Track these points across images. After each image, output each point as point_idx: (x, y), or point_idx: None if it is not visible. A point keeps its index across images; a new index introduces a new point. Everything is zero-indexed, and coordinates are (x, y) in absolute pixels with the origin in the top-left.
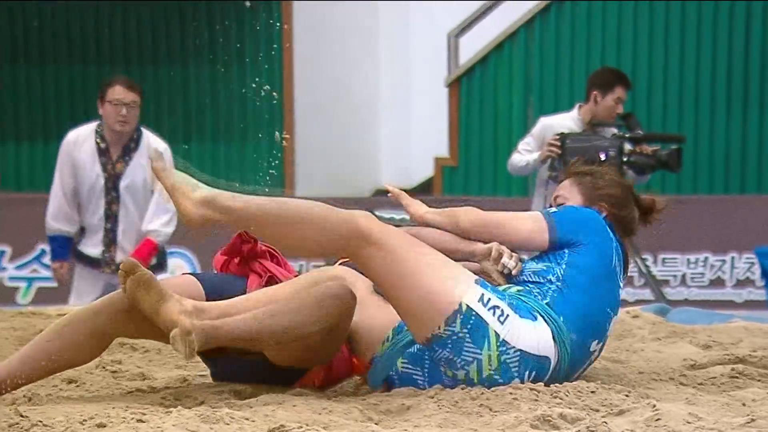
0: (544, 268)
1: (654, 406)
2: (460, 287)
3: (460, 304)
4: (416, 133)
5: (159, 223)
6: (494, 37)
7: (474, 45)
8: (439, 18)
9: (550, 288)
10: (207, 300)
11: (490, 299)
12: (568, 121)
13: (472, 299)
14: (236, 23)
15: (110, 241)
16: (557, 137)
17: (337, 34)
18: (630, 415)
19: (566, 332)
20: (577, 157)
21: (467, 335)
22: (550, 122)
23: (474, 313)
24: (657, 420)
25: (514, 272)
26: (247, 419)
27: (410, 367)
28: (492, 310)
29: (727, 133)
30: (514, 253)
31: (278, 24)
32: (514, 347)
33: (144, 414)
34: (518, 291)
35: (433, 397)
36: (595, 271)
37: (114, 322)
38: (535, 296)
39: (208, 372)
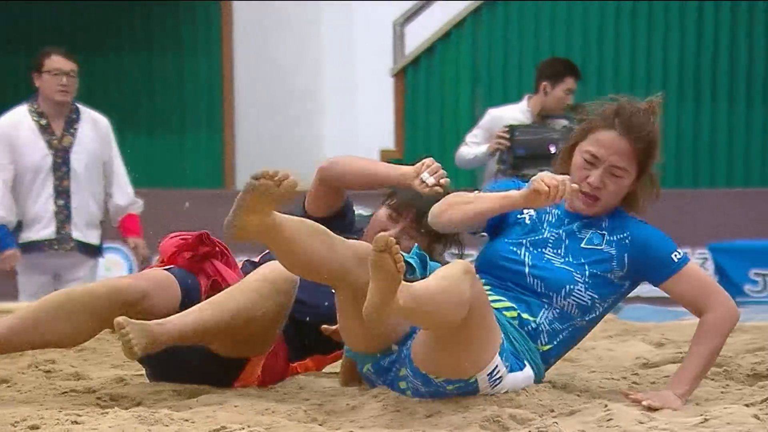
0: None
1: (606, 406)
2: (486, 358)
3: (474, 378)
4: (361, 125)
5: (131, 192)
6: (440, 26)
7: (420, 34)
8: (383, 6)
9: (572, 324)
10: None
11: (498, 371)
12: (516, 112)
13: (483, 374)
14: (173, 10)
15: (65, 218)
16: (506, 129)
17: (279, 22)
18: (581, 415)
19: (545, 366)
20: (526, 149)
21: (454, 392)
22: (499, 114)
23: (475, 384)
24: (609, 420)
25: (432, 190)
26: (186, 420)
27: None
28: (492, 382)
29: (679, 125)
30: (440, 170)
31: (217, 12)
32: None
33: (79, 415)
34: (524, 324)
35: (376, 397)
36: None
37: (112, 312)
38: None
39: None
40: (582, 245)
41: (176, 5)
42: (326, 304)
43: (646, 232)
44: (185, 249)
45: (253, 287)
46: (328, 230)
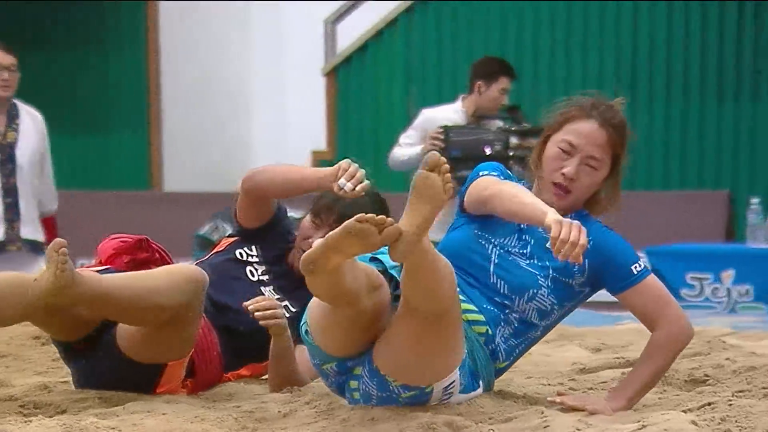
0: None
1: (542, 412)
2: (448, 368)
3: (431, 388)
4: (292, 125)
5: (56, 193)
6: (373, 24)
7: (352, 32)
8: (314, 3)
9: (528, 337)
10: None
11: (453, 385)
12: (451, 113)
13: (441, 385)
14: (97, 5)
15: (13, 216)
16: (440, 130)
17: (206, 18)
18: (518, 422)
19: (496, 379)
20: (461, 151)
21: (407, 400)
22: (433, 114)
23: (430, 394)
24: (546, 427)
25: (358, 188)
26: (113, 429)
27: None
28: (445, 396)
29: None
30: (358, 173)
31: (142, 7)
32: None
33: (1, 424)
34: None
35: (309, 403)
36: None
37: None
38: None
39: (70, 378)
40: (547, 245)
41: (101, 6)
42: None
43: (610, 239)
44: (124, 252)
45: (158, 276)
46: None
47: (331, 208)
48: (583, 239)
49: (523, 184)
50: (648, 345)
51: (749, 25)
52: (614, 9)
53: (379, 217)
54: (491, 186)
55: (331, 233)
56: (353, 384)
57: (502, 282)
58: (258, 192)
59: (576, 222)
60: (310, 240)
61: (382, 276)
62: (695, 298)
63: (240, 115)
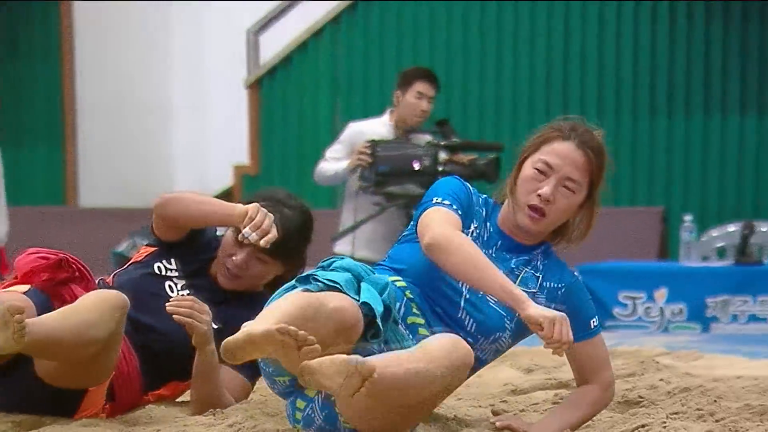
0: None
1: None
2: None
3: None
4: (213, 138)
5: (6, 226)
6: (297, 35)
7: (275, 43)
8: (236, 14)
9: (475, 369)
10: None
11: None
12: (379, 126)
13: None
14: (5, 10)
15: None
16: (368, 144)
17: (124, 27)
18: None
19: None
20: (389, 166)
21: None
22: (360, 128)
23: None
24: None
25: (262, 243)
26: None
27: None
28: None
29: None
30: (265, 222)
31: (56, 13)
32: None
33: None
34: None
35: (232, 426)
36: None
37: None
38: None
39: None
40: (517, 283)
41: (10, 5)
42: (177, 329)
43: (579, 290)
44: (42, 270)
45: (89, 308)
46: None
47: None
48: (570, 337)
49: (490, 203)
50: (580, 394)
51: (680, 41)
52: (545, 19)
53: (301, 333)
54: (437, 234)
55: (251, 329)
56: (300, 404)
57: (471, 320)
58: (168, 221)
59: (561, 316)
60: (234, 258)
61: (355, 310)
62: (628, 317)
63: (159, 127)
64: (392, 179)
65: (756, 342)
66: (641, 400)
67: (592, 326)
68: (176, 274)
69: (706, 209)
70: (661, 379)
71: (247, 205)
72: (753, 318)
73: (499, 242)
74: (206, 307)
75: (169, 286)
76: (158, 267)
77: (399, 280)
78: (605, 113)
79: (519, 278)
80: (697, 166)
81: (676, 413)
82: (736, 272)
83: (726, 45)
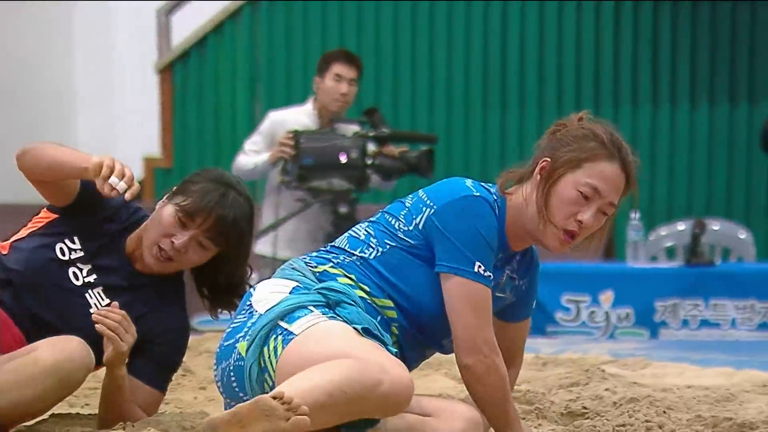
0: None
1: None
2: None
3: None
4: (121, 128)
5: None
6: (213, 16)
7: (189, 24)
8: None
9: None
10: None
11: None
12: (301, 116)
13: None
14: None
15: None
16: (290, 135)
17: (18, 5)
18: None
19: None
20: (314, 158)
21: None
22: (281, 117)
23: None
24: None
25: (127, 196)
26: None
27: None
28: None
29: (484, 132)
30: (128, 172)
31: None
32: None
33: None
34: None
35: None
36: None
37: None
38: None
39: None
40: (497, 294)
41: None
42: (85, 332)
43: (536, 278)
44: None
45: (41, 381)
46: None
47: (208, 211)
48: None
49: (498, 204)
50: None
51: (627, 34)
52: (481, 8)
53: (294, 402)
54: (483, 360)
55: (241, 408)
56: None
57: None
58: (29, 173)
59: None
60: (174, 240)
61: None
62: (571, 322)
63: (62, 116)
64: (317, 173)
65: (708, 348)
66: (586, 411)
67: (532, 308)
68: (80, 255)
69: (655, 206)
70: (606, 389)
71: (102, 156)
72: (705, 323)
73: (500, 255)
74: (134, 329)
75: (74, 273)
76: (60, 249)
77: (391, 308)
78: (546, 105)
79: (500, 285)
80: (645, 159)
81: (622, 425)
82: (686, 274)
83: (676, 36)
